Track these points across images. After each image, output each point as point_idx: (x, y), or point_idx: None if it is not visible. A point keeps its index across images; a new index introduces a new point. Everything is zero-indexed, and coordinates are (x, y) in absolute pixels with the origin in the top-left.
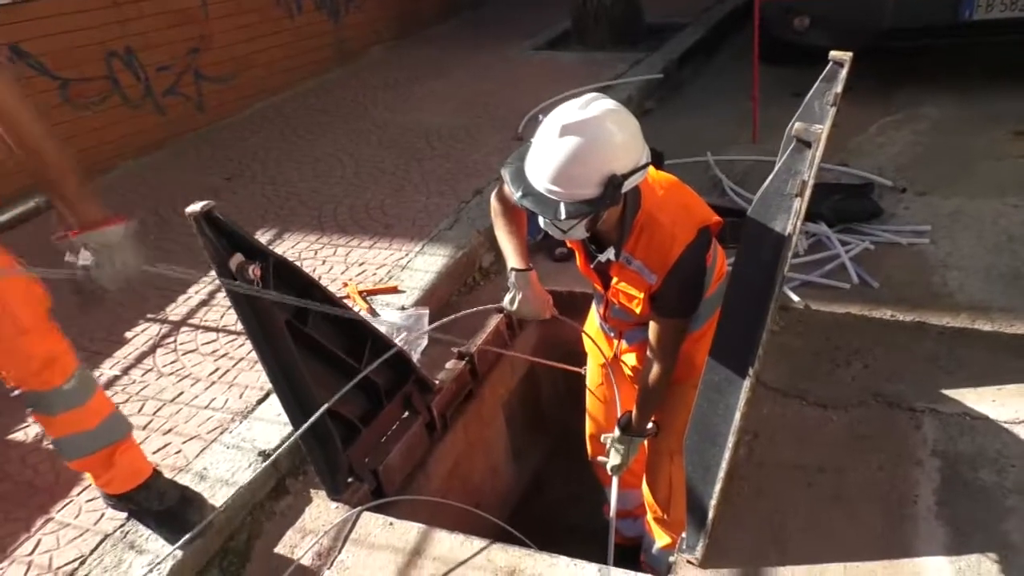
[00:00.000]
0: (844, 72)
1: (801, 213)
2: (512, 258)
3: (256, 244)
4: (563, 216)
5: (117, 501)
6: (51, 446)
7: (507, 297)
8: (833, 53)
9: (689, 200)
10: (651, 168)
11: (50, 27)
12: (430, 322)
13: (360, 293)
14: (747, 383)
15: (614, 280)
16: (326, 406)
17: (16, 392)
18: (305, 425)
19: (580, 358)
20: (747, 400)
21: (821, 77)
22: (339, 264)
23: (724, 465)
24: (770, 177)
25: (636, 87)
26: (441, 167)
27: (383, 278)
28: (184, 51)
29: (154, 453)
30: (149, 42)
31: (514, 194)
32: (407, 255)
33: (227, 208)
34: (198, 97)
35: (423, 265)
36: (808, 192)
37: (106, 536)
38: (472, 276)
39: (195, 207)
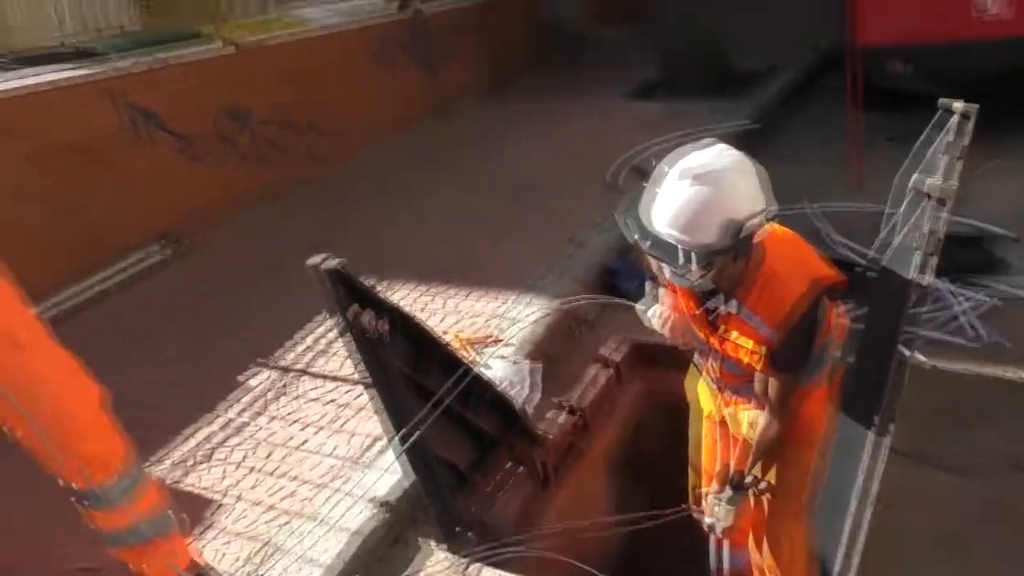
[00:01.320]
0: (971, 124)
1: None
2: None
3: (375, 297)
4: (693, 264)
5: None
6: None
7: (651, 311)
8: (945, 102)
9: (810, 256)
10: (771, 224)
11: (173, 90)
12: (541, 376)
13: (463, 343)
14: (879, 447)
15: (730, 333)
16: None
17: (62, 483)
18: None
19: (685, 411)
20: (877, 465)
21: (931, 125)
22: (439, 312)
23: (854, 532)
24: (899, 235)
25: (727, 135)
26: (534, 216)
27: (483, 328)
28: (293, 107)
29: (271, 495)
30: (260, 100)
31: (636, 241)
32: (506, 305)
33: (333, 258)
34: (302, 152)
35: (523, 315)
36: (938, 252)
37: None
38: (573, 326)
39: (317, 260)
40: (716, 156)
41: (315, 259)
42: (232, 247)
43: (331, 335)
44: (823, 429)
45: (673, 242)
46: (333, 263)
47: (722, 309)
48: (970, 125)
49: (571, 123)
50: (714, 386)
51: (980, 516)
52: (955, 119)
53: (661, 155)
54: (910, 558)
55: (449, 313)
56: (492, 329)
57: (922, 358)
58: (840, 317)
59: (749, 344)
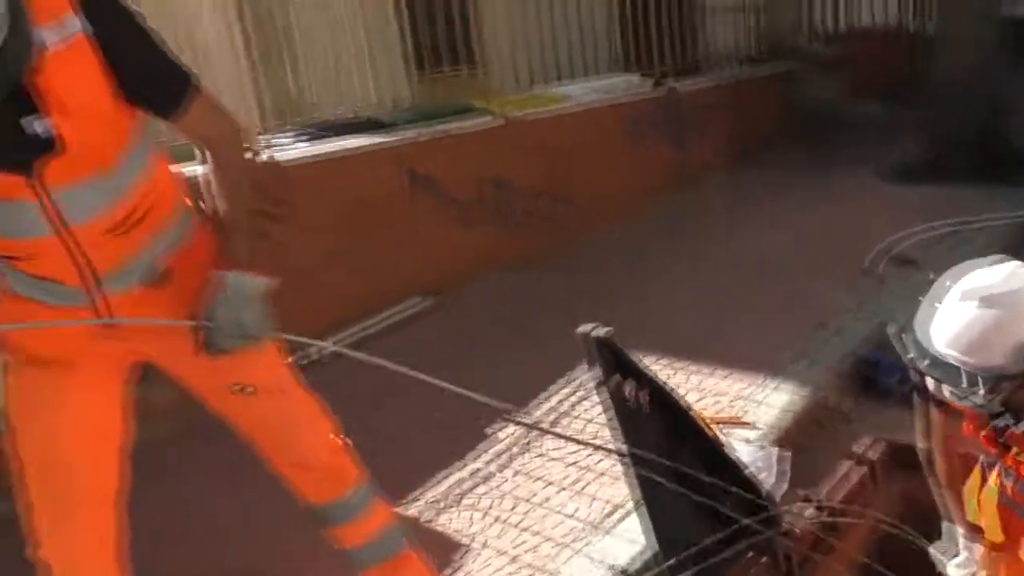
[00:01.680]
0: None
1: None
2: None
3: (638, 367)
4: (980, 388)
5: None
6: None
7: (956, 563)
8: None
9: None
10: None
11: (449, 159)
12: (789, 465)
13: (705, 420)
14: None
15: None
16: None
17: (305, 506)
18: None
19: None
20: None
21: None
22: (682, 388)
23: None
24: None
25: (1005, 226)
26: (783, 297)
27: (726, 407)
28: (550, 178)
29: (515, 547)
30: (523, 170)
31: (916, 361)
32: (750, 387)
33: (577, 323)
34: (554, 220)
35: (770, 400)
36: None
37: None
38: (824, 417)
39: (587, 328)
40: (1009, 276)
41: (585, 327)
42: (485, 305)
43: (574, 397)
44: None
45: (955, 363)
46: (601, 332)
47: (1016, 429)
48: None
49: (824, 202)
50: (1013, 508)
51: None
52: None
53: (927, 244)
54: None
55: (692, 389)
56: (736, 411)
57: None
58: None
59: None
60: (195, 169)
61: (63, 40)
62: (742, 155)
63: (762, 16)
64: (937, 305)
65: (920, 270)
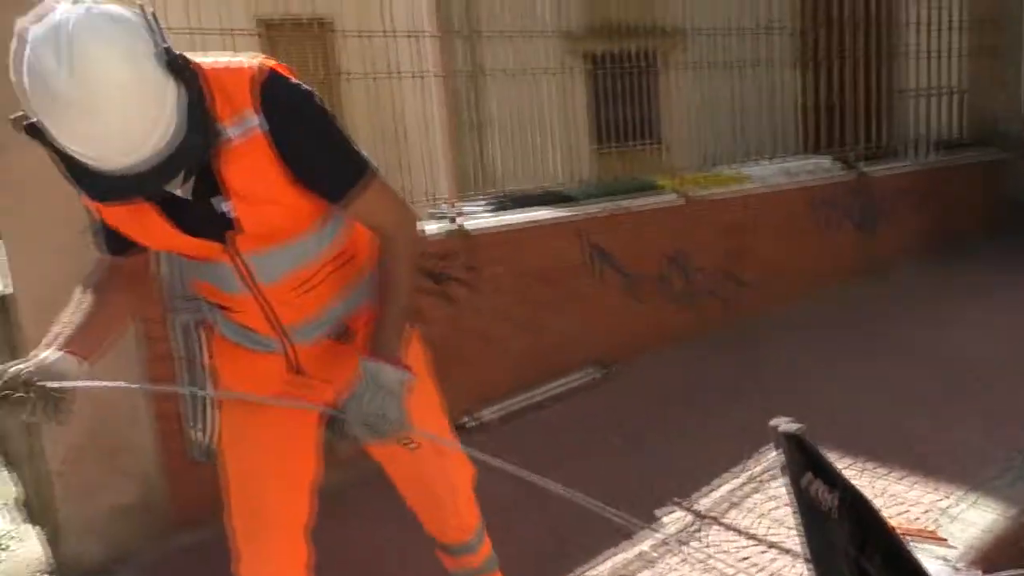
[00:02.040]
0: None
1: None
2: None
3: (831, 469)
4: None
5: None
6: None
7: None
8: None
9: None
10: None
11: (627, 234)
12: None
13: (898, 531)
14: None
15: None
16: None
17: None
18: None
19: None
20: None
21: None
22: (866, 492)
23: None
24: None
25: None
26: (987, 403)
27: (918, 518)
28: (726, 257)
29: None
30: (699, 248)
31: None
32: (948, 500)
33: (746, 409)
34: (728, 298)
35: (970, 517)
36: None
37: None
38: None
39: (781, 423)
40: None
41: (777, 420)
42: (655, 379)
43: (747, 488)
44: None
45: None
46: (793, 427)
47: None
48: None
49: None
50: None
51: None
52: None
53: None
54: None
55: (877, 495)
56: (928, 523)
57: None
58: None
59: None
60: None
61: (243, 135)
62: (937, 246)
63: (965, 99)
64: None
65: None
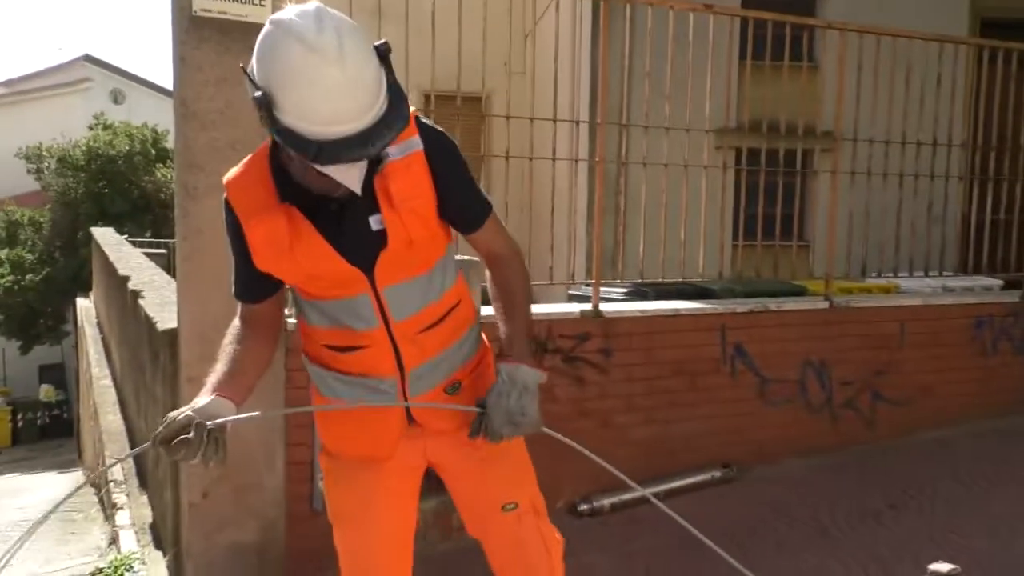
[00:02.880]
0: None
1: None
2: None
3: None
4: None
5: None
6: None
7: None
8: None
9: None
10: None
11: (767, 335)
12: None
13: None
14: None
15: None
16: None
17: None
18: None
19: None
20: None
21: None
22: None
23: None
24: None
25: None
26: None
27: None
28: (870, 371)
29: None
30: (842, 358)
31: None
32: None
33: (872, 534)
34: (871, 415)
35: None
36: None
37: None
38: None
39: (939, 568)
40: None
41: (937, 565)
42: (779, 490)
43: None
44: None
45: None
46: (945, 568)
47: None
48: None
49: None
50: None
51: None
52: None
53: None
54: None
55: None
56: None
57: None
58: None
59: None
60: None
61: (403, 153)
62: None
63: None
64: None
65: None
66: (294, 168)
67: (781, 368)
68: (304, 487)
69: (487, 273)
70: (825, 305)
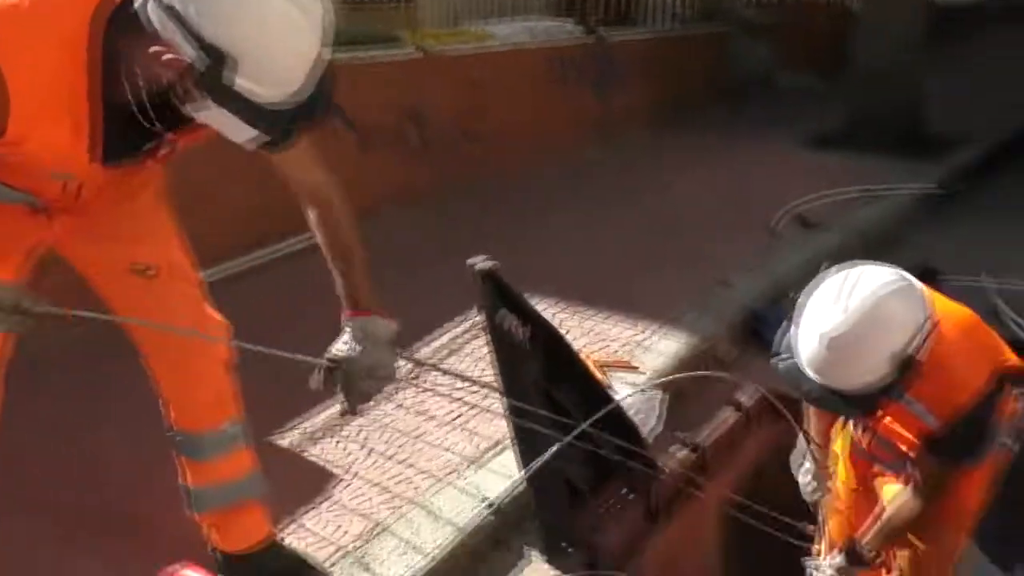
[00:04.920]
0: None
1: None
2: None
3: (526, 306)
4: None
5: (230, 563)
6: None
7: (804, 470)
8: None
9: (985, 339)
10: (942, 299)
11: (361, 86)
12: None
13: (596, 364)
14: None
15: (886, 418)
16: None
17: (170, 433)
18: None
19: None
20: None
21: None
22: (576, 330)
23: None
24: None
25: (907, 198)
26: (689, 253)
27: (619, 352)
28: (462, 115)
29: (392, 481)
30: (436, 104)
31: (803, 397)
32: (645, 334)
33: (479, 262)
34: (465, 156)
35: (661, 348)
36: None
37: (341, 549)
38: (709, 365)
39: (478, 261)
40: (851, 314)
41: (474, 259)
42: (386, 239)
43: (468, 335)
44: (976, 513)
45: (831, 393)
46: (487, 264)
47: (891, 399)
48: None
49: (744, 164)
50: (863, 456)
51: None
52: None
53: (833, 209)
54: None
55: (585, 333)
56: (626, 355)
57: None
58: (1015, 401)
59: (907, 433)
60: None
61: None
62: (666, 111)
63: None
64: (798, 331)
65: (825, 231)
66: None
67: (377, 119)
68: None
69: (310, 215)
70: (419, 54)
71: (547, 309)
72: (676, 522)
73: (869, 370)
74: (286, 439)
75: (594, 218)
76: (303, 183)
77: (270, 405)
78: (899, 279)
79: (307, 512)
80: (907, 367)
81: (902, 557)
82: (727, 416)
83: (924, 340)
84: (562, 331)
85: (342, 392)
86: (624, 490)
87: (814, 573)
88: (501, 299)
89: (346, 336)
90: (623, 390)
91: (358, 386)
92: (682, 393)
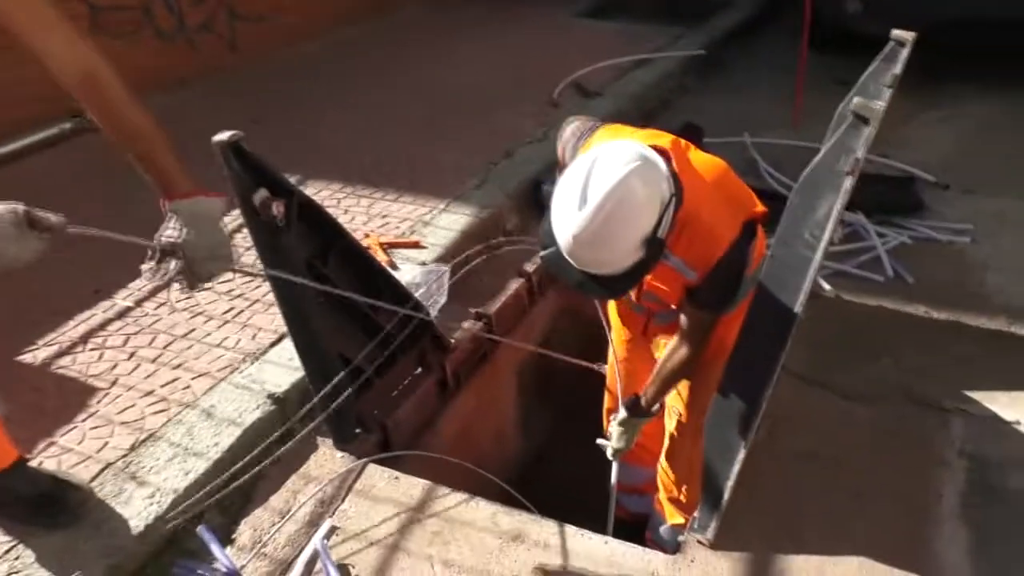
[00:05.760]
0: (906, 52)
1: (849, 193)
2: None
3: (282, 180)
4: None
5: None
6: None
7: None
8: (896, 32)
9: (735, 191)
10: (696, 153)
11: None
12: (451, 280)
13: (381, 245)
14: (776, 368)
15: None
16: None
17: None
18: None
19: (601, 330)
20: (773, 385)
21: (880, 56)
22: (361, 215)
23: (744, 449)
24: (821, 153)
25: (676, 62)
26: (471, 127)
27: (405, 232)
28: None
29: (162, 387)
30: None
31: (569, 287)
32: (431, 211)
33: (252, 150)
34: (230, 36)
35: (447, 223)
36: (857, 172)
37: (108, 465)
38: (496, 237)
39: (222, 136)
40: (599, 189)
41: (219, 136)
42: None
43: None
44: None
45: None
46: (227, 136)
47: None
48: (905, 53)
49: (520, 36)
50: (638, 311)
51: (868, 440)
52: (890, 45)
53: (607, 77)
54: (795, 476)
55: (373, 216)
56: (412, 234)
57: (827, 287)
58: (763, 241)
59: (671, 287)
60: None
61: None
62: None
63: None
64: (558, 222)
65: (603, 99)
66: None
67: None
68: None
69: (82, 99)
70: None
71: (332, 194)
72: (469, 393)
73: (622, 256)
74: (39, 356)
75: (372, 96)
76: (63, 59)
77: (19, 322)
78: (636, 159)
79: (68, 431)
80: (657, 245)
81: (674, 397)
82: (517, 288)
83: (672, 218)
84: (344, 216)
85: (180, 278)
86: (418, 369)
87: (605, 440)
88: (255, 177)
89: (172, 222)
90: (407, 269)
91: (202, 269)
92: (467, 268)
